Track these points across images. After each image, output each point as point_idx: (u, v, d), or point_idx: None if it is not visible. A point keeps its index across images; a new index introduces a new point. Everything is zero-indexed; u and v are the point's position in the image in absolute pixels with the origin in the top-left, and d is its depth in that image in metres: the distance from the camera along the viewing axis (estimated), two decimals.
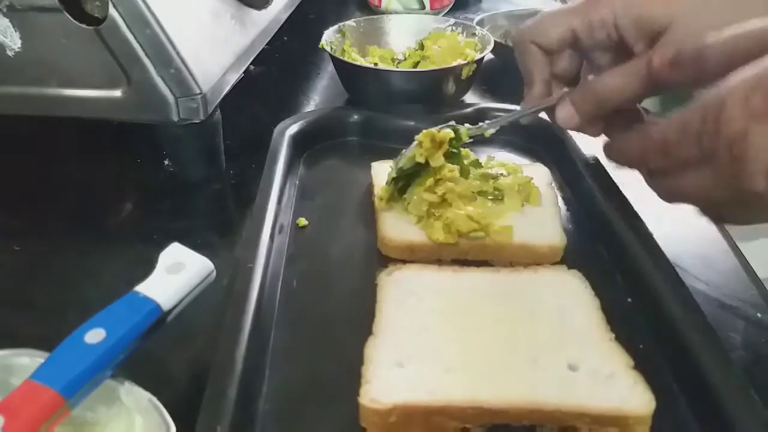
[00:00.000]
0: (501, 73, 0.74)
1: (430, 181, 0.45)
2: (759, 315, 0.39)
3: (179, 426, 0.28)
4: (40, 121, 0.50)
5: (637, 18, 0.39)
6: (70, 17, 0.43)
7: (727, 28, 0.32)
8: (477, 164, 0.48)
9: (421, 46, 0.70)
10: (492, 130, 0.47)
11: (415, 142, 0.46)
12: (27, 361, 0.31)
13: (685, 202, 0.33)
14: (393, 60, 0.71)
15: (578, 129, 0.41)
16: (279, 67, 0.78)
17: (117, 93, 0.46)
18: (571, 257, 0.44)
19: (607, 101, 0.38)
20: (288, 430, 0.33)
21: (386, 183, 0.48)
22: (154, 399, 0.30)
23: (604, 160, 0.44)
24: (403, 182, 0.47)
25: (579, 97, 0.40)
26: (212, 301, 0.36)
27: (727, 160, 0.29)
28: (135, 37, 0.43)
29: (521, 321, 0.37)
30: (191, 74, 0.45)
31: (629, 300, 0.40)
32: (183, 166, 0.54)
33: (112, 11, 0.42)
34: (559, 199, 0.49)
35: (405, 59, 0.71)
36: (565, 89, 0.44)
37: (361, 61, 0.66)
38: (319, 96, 0.71)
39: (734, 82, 0.29)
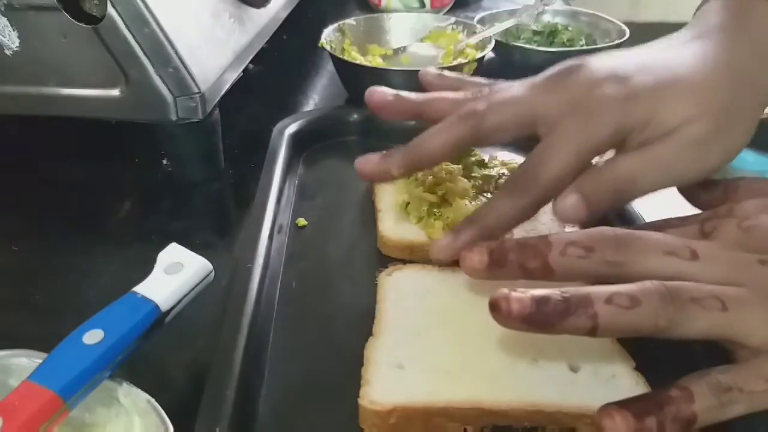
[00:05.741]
0: (502, 72, 0.73)
1: (429, 181, 0.45)
2: None
3: (178, 427, 0.28)
4: (38, 121, 0.50)
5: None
6: (68, 16, 0.43)
7: None
8: (482, 164, 0.48)
9: None
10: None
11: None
12: (25, 361, 0.30)
13: None
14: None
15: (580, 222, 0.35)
16: (278, 66, 0.77)
17: (115, 92, 0.46)
18: None
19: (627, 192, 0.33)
20: (287, 431, 0.32)
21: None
22: (153, 400, 0.29)
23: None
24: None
25: (591, 184, 0.33)
26: (211, 302, 0.36)
27: None
28: (133, 36, 0.43)
29: None
30: (190, 73, 0.45)
31: None
32: (181, 166, 0.54)
33: (110, 10, 0.42)
34: None
35: None
36: None
37: (361, 60, 0.66)
38: (318, 95, 0.71)
39: None
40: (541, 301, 0.27)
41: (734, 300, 0.28)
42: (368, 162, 0.37)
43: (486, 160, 0.49)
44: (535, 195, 0.34)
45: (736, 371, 0.28)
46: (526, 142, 0.35)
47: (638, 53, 0.36)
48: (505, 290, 0.27)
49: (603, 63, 0.35)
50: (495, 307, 0.27)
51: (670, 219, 0.35)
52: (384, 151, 0.37)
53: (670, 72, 0.34)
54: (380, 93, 0.39)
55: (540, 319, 0.27)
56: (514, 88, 0.36)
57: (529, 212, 0.34)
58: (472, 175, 0.47)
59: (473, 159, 0.48)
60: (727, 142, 0.34)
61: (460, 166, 0.47)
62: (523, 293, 0.27)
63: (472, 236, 0.34)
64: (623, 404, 0.26)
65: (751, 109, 0.34)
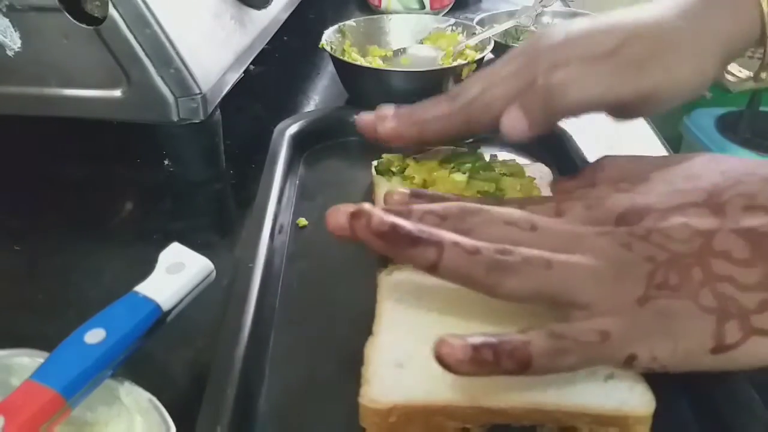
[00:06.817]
0: None
1: (419, 180, 0.45)
2: None
3: (179, 426, 0.28)
4: (40, 121, 0.50)
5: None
6: (69, 17, 0.43)
7: None
8: (487, 167, 0.46)
9: None
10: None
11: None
12: (27, 360, 0.30)
13: None
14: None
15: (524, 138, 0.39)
16: (279, 66, 0.78)
17: (117, 93, 0.46)
18: None
19: (564, 106, 0.37)
20: (288, 430, 0.33)
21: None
22: (154, 399, 0.30)
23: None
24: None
25: (527, 94, 0.37)
26: (212, 301, 0.36)
27: None
28: (135, 37, 0.43)
29: (521, 320, 0.37)
30: (191, 74, 0.45)
31: None
32: (183, 166, 0.54)
33: (112, 11, 0.42)
34: None
35: None
36: None
37: (361, 61, 0.66)
38: (319, 96, 0.71)
39: None
40: (397, 226, 0.30)
41: (560, 260, 0.30)
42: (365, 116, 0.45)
43: (488, 161, 0.48)
44: (467, 111, 0.40)
45: (571, 325, 0.30)
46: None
47: (604, 15, 0.39)
48: (374, 210, 0.30)
49: (559, 26, 0.39)
50: (356, 216, 0.30)
51: (533, 197, 0.40)
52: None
53: (617, 14, 0.38)
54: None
55: (390, 240, 0.30)
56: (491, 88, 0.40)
57: (456, 123, 0.41)
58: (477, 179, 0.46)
59: (478, 164, 0.47)
60: (667, 67, 0.36)
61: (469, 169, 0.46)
62: (387, 217, 0.30)
63: (406, 124, 0.42)
64: (463, 336, 0.29)
65: (702, 46, 0.37)
